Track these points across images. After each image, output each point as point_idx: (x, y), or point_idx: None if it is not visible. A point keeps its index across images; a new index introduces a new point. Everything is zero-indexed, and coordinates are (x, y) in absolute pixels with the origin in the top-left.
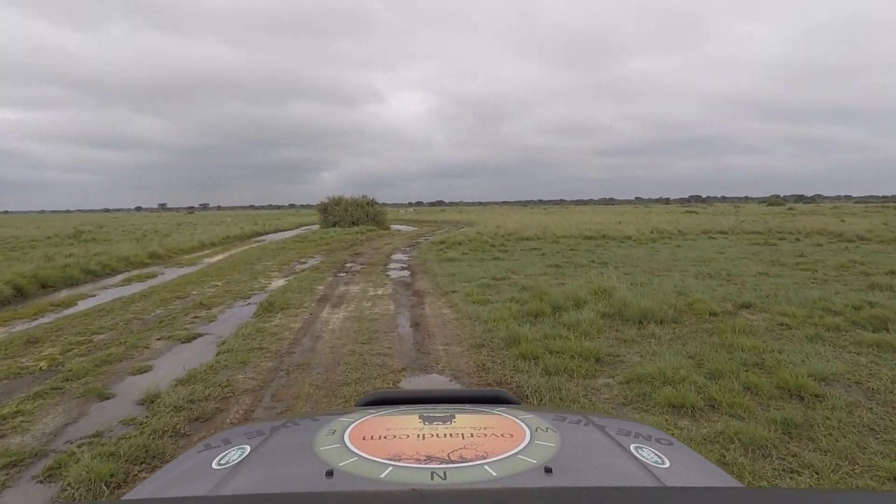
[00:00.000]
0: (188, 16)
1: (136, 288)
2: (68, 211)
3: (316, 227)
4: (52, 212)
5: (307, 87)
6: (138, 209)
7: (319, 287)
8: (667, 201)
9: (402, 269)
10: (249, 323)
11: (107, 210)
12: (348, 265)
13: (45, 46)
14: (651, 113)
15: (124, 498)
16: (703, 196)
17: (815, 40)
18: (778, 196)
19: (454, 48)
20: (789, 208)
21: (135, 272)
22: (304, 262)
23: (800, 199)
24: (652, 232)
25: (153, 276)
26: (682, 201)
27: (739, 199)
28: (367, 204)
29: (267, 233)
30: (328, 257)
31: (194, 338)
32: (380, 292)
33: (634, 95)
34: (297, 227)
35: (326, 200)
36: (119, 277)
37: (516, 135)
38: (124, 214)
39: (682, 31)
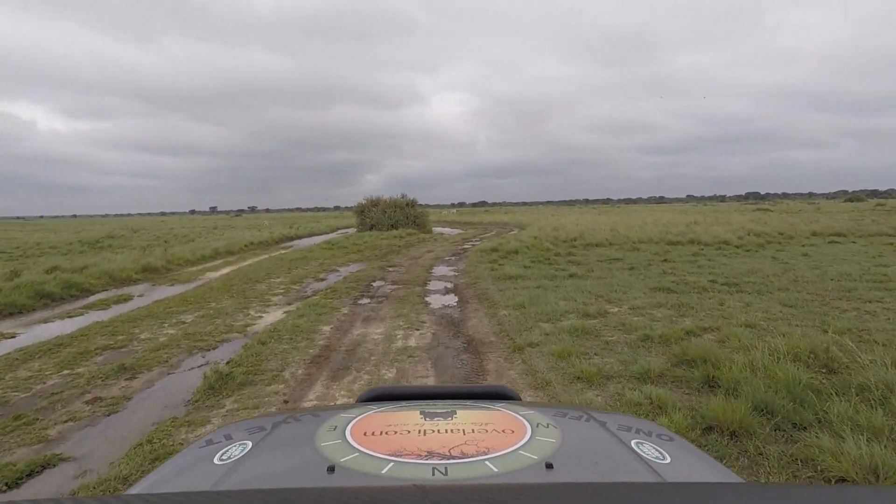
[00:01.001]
0: (236, 26)
1: (79, 323)
2: (129, 214)
3: (353, 230)
4: (115, 215)
5: (351, 91)
6: (192, 212)
7: (325, 328)
8: (722, 199)
9: (447, 292)
10: (163, 427)
11: (163, 213)
12: (376, 284)
13: (108, 60)
14: (701, 108)
15: (126, 493)
16: (762, 193)
17: (878, 27)
18: (846, 191)
19: (496, 48)
20: (878, 204)
21: (112, 292)
22: (323, 279)
23: (873, 193)
24: (749, 235)
25: (127, 299)
26: (738, 198)
27: (802, 195)
28: (407, 205)
29: (300, 237)
30: (354, 271)
31: (25, 478)
32: (412, 342)
33: (683, 91)
34: (333, 231)
35: (364, 202)
36: (87, 301)
37: (560, 133)
38: (176, 217)
39: (732, 23)
